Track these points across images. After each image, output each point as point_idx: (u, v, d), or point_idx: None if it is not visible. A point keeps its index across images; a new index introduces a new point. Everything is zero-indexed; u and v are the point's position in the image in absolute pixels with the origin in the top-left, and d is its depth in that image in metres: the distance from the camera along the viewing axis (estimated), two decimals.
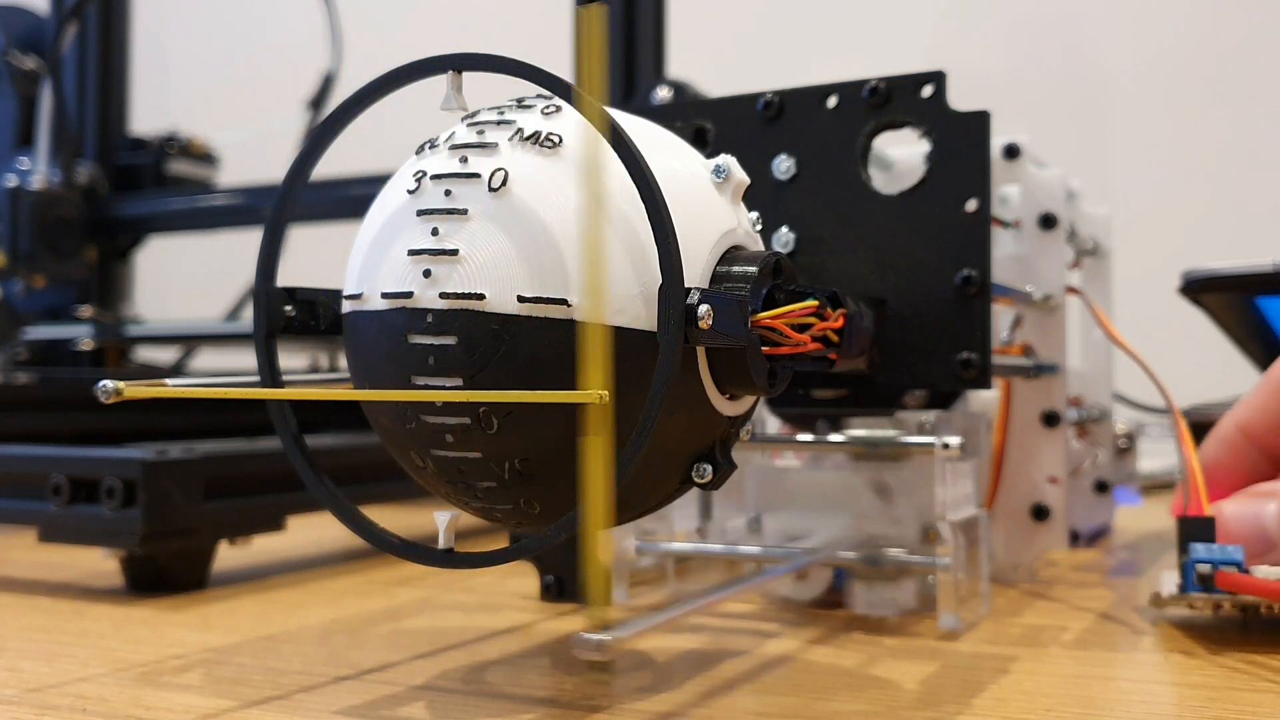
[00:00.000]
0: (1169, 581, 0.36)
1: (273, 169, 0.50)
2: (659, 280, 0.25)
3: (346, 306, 0.28)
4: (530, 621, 0.38)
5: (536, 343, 0.25)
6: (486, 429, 0.26)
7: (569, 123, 0.27)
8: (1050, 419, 0.46)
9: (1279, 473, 0.39)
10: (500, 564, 0.26)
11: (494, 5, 1.35)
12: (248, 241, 0.38)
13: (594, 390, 0.23)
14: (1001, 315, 0.47)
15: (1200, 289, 0.51)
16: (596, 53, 0.23)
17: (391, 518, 0.30)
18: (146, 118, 1.07)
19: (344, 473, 0.48)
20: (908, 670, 0.32)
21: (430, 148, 0.28)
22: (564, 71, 0.25)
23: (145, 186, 0.96)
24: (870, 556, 0.38)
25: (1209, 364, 0.68)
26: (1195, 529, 0.35)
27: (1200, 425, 0.52)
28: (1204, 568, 0.34)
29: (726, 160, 0.29)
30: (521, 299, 0.25)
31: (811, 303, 0.30)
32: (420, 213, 0.26)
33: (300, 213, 0.30)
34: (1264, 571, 0.34)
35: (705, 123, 0.40)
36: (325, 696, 0.29)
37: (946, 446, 0.37)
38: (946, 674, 0.32)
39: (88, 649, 0.35)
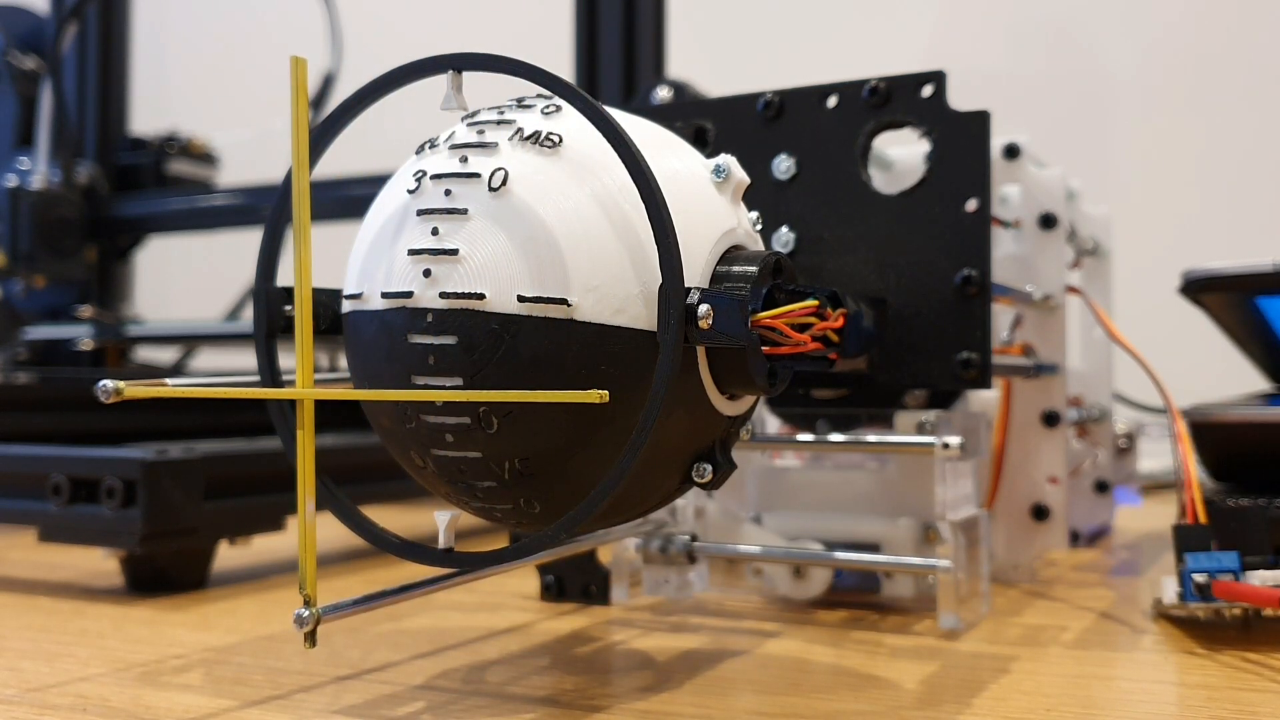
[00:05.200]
0: (1169, 589, 0.36)
1: (273, 169, 0.50)
2: (659, 280, 0.25)
3: (346, 306, 0.28)
4: (530, 621, 0.38)
5: (536, 342, 0.25)
6: (486, 429, 0.26)
7: (569, 123, 0.27)
8: (1050, 419, 0.46)
9: None
10: (500, 564, 0.26)
11: (494, 5, 1.35)
12: (248, 241, 0.38)
13: (594, 390, 0.23)
14: (1001, 315, 0.47)
15: (1200, 289, 0.51)
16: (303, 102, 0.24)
17: (391, 518, 0.30)
18: (146, 118, 1.07)
19: (344, 473, 0.48)
20: (908, 670, 0.32)
21: (430, 147, 0.28)
22: (564, 71, 0.25)
23: (145, 186, 0.96)
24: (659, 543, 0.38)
25: (1209, 364, 0.68)
26: (1190, 537, 0.35)
27: (1201, 425, 0.52)
28: (1200, 577, 0.34)
29: (726, 160, 0.29)
30: (521, 298, 0.25)
31: (811, 302, 0.30)
32: (420, 212, 0.26)
33: None
34: (1260, 577, 0.33)
35: (705, 123, 0.40)
36: (325, 696, 0.29)
37: (946, 446, 0.37)
38: (946, 674, 0.32)
39: (88, 649, 0.35)
